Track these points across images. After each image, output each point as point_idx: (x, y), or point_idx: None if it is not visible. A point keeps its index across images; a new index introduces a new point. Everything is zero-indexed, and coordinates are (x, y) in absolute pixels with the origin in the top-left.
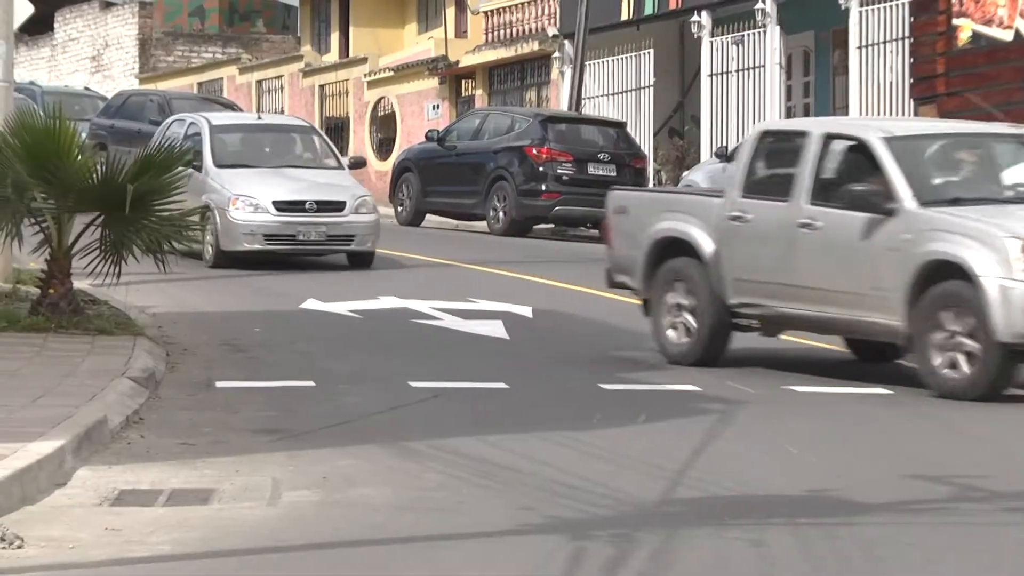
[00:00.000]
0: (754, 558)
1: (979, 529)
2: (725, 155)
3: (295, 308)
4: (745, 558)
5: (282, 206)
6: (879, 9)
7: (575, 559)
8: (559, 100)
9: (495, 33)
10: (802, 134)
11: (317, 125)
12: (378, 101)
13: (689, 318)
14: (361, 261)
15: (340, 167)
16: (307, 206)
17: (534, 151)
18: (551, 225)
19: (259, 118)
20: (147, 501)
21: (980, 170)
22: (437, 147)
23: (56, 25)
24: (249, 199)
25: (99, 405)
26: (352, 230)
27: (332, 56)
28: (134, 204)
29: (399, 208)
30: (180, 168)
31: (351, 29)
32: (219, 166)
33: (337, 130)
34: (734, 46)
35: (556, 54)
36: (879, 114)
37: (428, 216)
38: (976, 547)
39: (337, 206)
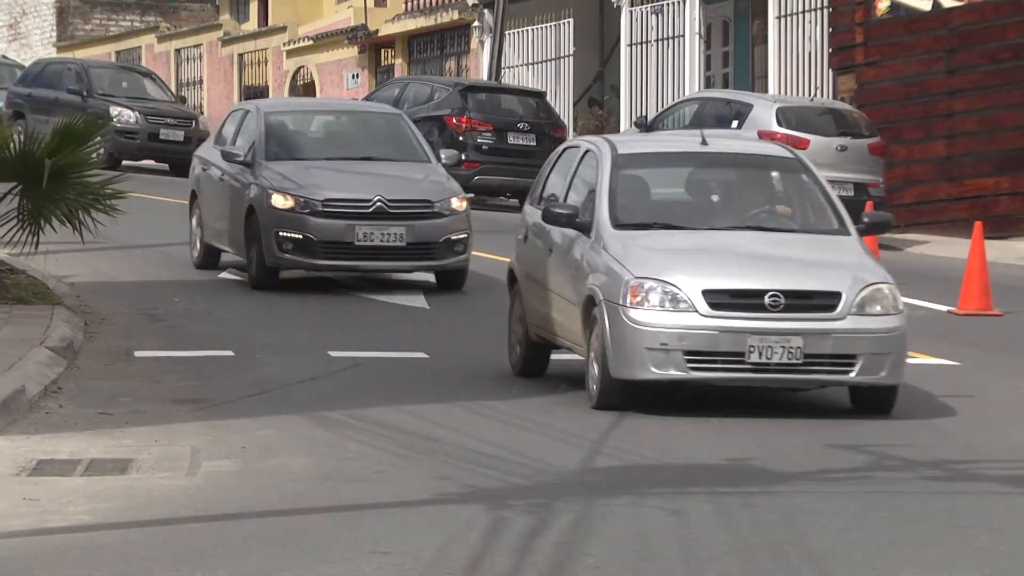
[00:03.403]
0: (673, 527)
1: (897, 497)
2: (645, 124)
3: (214, 278)
4: (664, 527)
5: (720, 300)
6: None
7: (494, 528)
8: (479, 70)
9: (415, 2)
10: None
11: (236, 95)
12: (297, 70)
13: None
14: (875, 403)
15: (842, 229)
16: (768, 301)
17: (454, 120)
18: (471, 195)
19: (703, 142)
20: (66, 471)
21: None
22: None
23: None
24: (662, 287)
25: (17, 375)
26: (852, 346)
27: (251, 25)
28: (52, 176)
29: None
30: (98, 139)
31: None
32: (620, 226)
33: (256, 99)
34: (653, 16)
35: (476, 23)
36: (798, 84)
37: None
38: (894, 515)
39: (825, 300)
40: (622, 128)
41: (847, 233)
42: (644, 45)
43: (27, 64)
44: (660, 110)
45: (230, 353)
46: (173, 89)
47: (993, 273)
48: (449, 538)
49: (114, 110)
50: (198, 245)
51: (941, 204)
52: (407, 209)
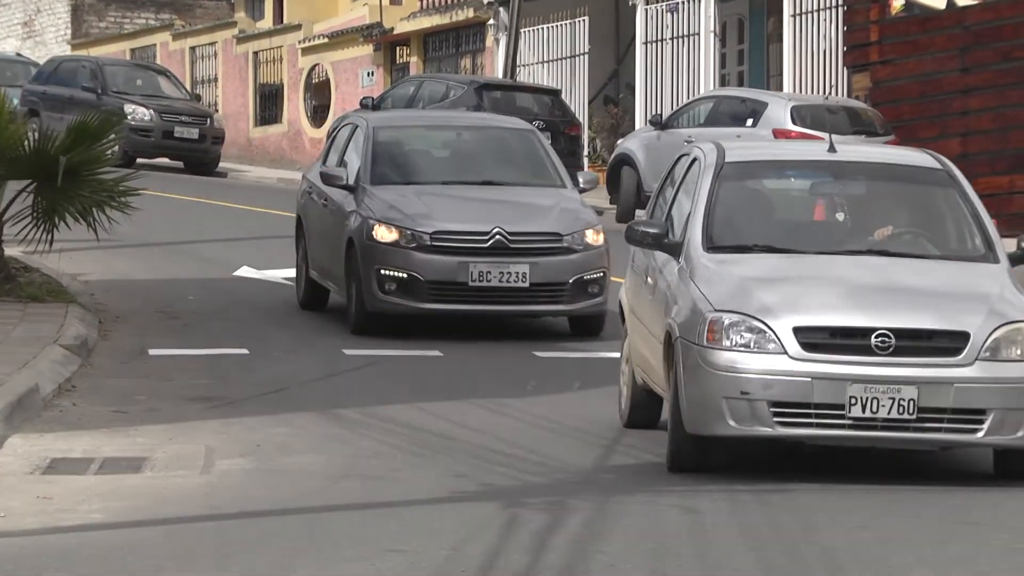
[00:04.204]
0: (688, 525)
1: (913, 495)
2: (660, 123)
3: (229, 275)
4: (679, 525)
5: (815, 339)
6: None
7: (509, 526)
8: (494, 67)
9: (430, 0)
10: None
11: (251, 93)
12: (312, 68)
13: None
14: (1019, 469)
15: (989, 255)
16: (874, 342)
17: None
18: None
19: (831, 148)
20: (79, 469)
21: None
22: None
23: None
24: (746, 322)
25: (31, 373)
26: (981, 399)
27: (266, 23)
28: (66, 173)
29: None
30: (113, 136)
31: None
32: (715, 248)
33: (271, 97)
34: (669, 14)
35: (491, 21)
36: (813, 82)
37: None
38: (910, 514)
39: (947, 342)
40: (637, 126)
41: (995, 260)
42: (659, 43)
43: (42, 62)
44: (675, 108)
45: (245, 351)
46: (188, 87)
47: None
48: (464, 536)
49: (128, 108)
50: (303, 281)
51: None
52: (531, 243)
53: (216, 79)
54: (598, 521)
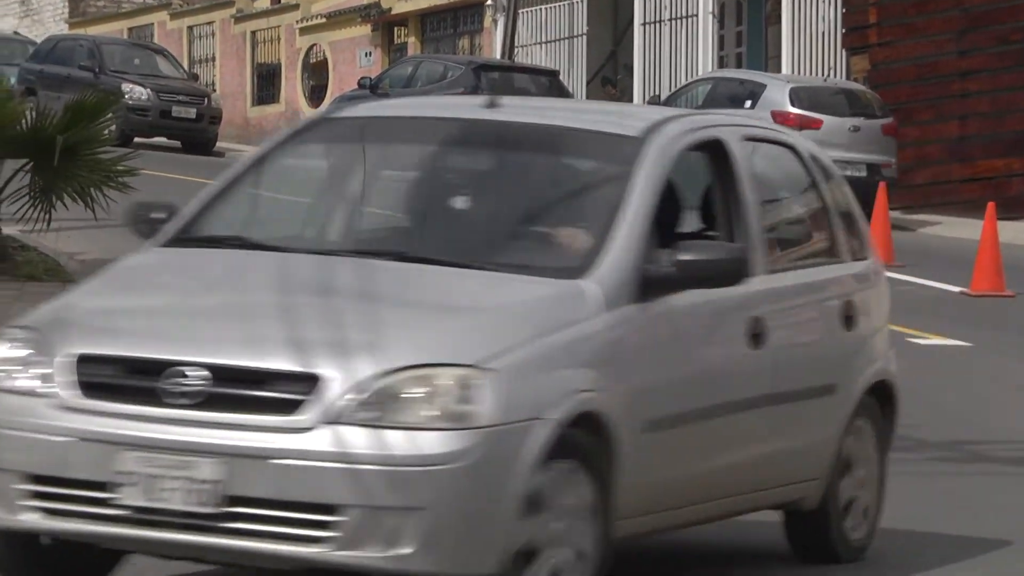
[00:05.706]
0: None
1: (909, 478)
2: (658, 104)
3: None
4: None
5: (101, 377)
6: None
7: None
8: (492, 48)
9: None
10: None
11: (248, 72)
12: (310, 48)
13: None
14: None
15: (578, 271)
16: (164, 383)
17: None
18: None
19: (491, 105)
20: None
21: None
22: (369, 94)
23: None
24: (28, 342)
25: None
26: (320, 487)
27: (264, 2)
28: (64, 152)
29: None
30: (110, 115)
31: None
32: (184, 240)
33: (268, 77)
34: None
35: (489, 2)
36: (811, 64)
37: None
38: (906, 494)
39: (284, 390)
40: None
41: (581, 275)
42: (657, 24)
43: (39, 40)
44: (673, 89)
45: None
46: (185, 66)
47: (1005, 254)
48: None
49: (126, 87)
50: None
51: (953, 185)
52: None
53: (214, 58)
54: None
